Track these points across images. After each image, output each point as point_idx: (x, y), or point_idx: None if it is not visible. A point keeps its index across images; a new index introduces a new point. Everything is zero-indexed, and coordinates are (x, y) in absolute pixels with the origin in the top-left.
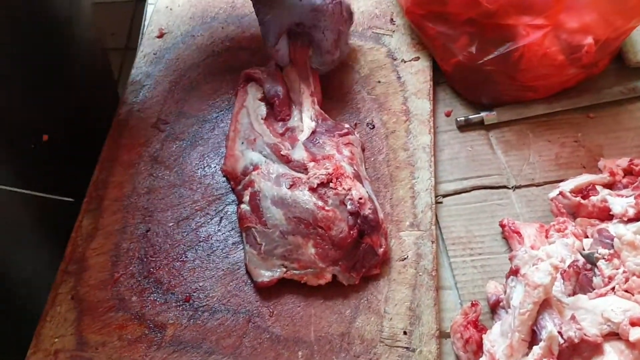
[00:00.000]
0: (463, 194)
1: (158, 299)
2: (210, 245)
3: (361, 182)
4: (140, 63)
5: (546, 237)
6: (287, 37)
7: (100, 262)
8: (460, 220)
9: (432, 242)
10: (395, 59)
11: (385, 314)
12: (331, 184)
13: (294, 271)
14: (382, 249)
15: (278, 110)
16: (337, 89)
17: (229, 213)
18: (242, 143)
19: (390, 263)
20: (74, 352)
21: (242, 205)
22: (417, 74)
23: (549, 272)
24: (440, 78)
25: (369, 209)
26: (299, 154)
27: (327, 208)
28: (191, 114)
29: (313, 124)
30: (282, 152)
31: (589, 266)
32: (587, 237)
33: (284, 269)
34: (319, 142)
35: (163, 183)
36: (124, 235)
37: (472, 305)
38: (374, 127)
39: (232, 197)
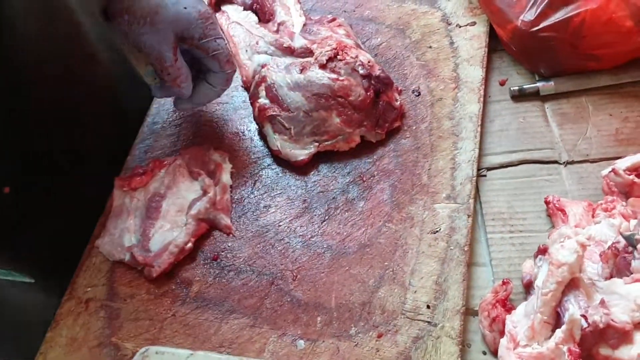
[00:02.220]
0: (509, 168)
1: (187, 257)
2: (242, 207)
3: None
4: None
5: (592, 216)
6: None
7: None
8: (503, 195)
9: (469, 216)
10: (449, 24)
11: (410, 286)
12: (339, 57)
13: (326, 142)
14: (398, 103)
15: (262, 12)
16: (383, 53)
17: (263, 177)
18: (246, 51)
19: (421, 235)
20: (104, 301)
21: (260, 100)
22: (471, 39)
23: (574, 250)
24: (498, 45)
25: (379, 69)
26: (300, 42)
27: (341, 78)
28: (236, 77)
29: (303, 18)
30: (284, 45)
31: (630, 249)
32: (636, 218)
33: (317, 144)
34: (313, 31)
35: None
36: None
37: (503, 283)
38: (419, 94)
39: (268, 161)
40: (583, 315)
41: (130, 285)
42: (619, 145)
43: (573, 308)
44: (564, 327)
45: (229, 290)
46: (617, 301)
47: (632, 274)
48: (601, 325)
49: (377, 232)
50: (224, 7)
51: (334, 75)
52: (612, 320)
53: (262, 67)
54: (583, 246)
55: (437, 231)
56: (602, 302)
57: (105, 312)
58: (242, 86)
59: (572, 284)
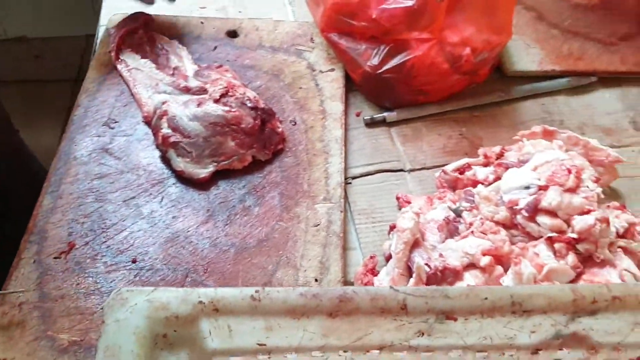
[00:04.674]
0: (368, 176)
1: (109, 261)
2: (153, 219)
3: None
4: (93, 73)
5: (431, 205)
6: None
7: (58, 233)
8: (365, 197)
9: (341, 211)
10: (314, 70)
11: (301, 267)
12: (229, 93)
13: (223, 162)
14: (280, 129)
15: (156, 62)
16: (263, 93)
17: (169, 193)
18: (147, 91)
19: (306, 228)
20: (37, 303)
21: (162, 130)
22: (332, 82)
23: (411, 218)
24: (352, 86)
25: (263, 103)
26: (195, 83)
27: (232, 110)
28: (137, 114)
29: (195, 65)
30: (181, 86)
31: (457, 218)
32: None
33: (215, 164)
34: (204, 74)
35: (112, 170)
36: (79, 211)
37: (370, 257)
38: (295, 123)
39: (172, 180)
40: (426, 264)
41: (60, 288)
42: (446, 156)
43: (418, 259)
44: (414, 274)
45: (149, 285)
46: (451, 253)
47: (460, 234)
48: (440, 268)
49: (271, 230)
50: (123, 56)
51: (226, 108)
52: (447, 264)
53: (163, 103)
54: (417, 214)
55: (318, 224)
56: (440, 255)
57: (39, 312)
58: (143, 121)
59: (415, 244)
